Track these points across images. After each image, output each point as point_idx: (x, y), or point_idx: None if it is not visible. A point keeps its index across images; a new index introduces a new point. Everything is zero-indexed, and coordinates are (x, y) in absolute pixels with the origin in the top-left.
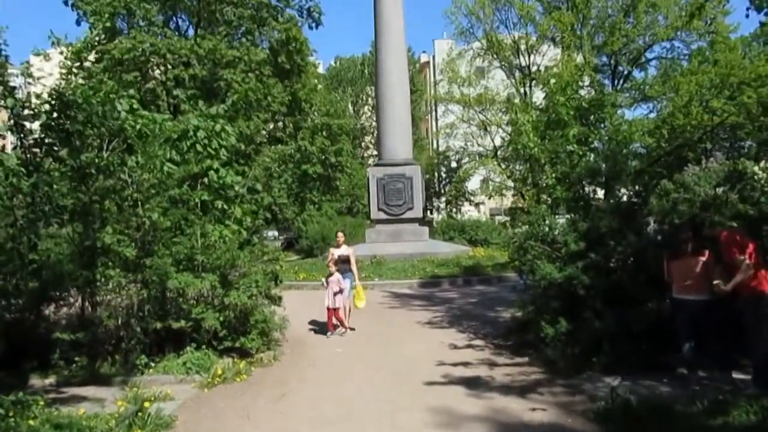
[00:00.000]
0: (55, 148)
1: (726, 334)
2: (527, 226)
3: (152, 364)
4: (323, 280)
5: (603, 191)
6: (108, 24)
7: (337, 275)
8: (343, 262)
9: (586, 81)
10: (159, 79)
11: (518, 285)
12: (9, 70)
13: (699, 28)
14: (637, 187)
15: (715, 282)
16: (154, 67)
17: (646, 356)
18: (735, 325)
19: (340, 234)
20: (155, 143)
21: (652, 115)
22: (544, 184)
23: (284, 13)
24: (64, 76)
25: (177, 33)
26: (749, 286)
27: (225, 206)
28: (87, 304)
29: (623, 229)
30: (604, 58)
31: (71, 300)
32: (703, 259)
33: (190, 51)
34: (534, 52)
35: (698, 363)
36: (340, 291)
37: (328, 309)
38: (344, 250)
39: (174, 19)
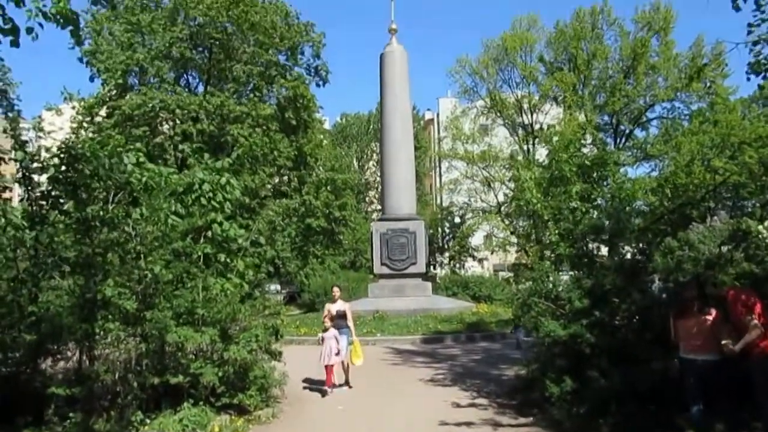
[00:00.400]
0: (61, 201)
1: (736, 395)
2: (531, 283)
3: (148, 421)
4: (320, 335)
5: (607, 248)
6: (120, 81)
7: (332, 331)
8: (340, 318)
9: (589, 139)
10: (167, 134)
11: (520, 340)
12: (21, 124)
13: (698, 89)
14: (641, 245)
15: (723, 342)
16: (163, 122)
17: (653, 417)
18: (745, 386)
19: (335, 289)
20: (160, 196)
21: (655, 174)
22: (548, 241)
23: (292, 71)
24: (74, 130)
25: (187, 89)
26: (759, 345)
27: (228, 259)
28: (85, 357)
29: (628, 286)
30: (606, 117)
31: (69, 353)
32: (710, 318)
33: (199, 106)
34: (536, 110)
35: (707, 424)
36: (338, 352)
37: (326, 366)
38: (340, 305)
39: (185, 76)
